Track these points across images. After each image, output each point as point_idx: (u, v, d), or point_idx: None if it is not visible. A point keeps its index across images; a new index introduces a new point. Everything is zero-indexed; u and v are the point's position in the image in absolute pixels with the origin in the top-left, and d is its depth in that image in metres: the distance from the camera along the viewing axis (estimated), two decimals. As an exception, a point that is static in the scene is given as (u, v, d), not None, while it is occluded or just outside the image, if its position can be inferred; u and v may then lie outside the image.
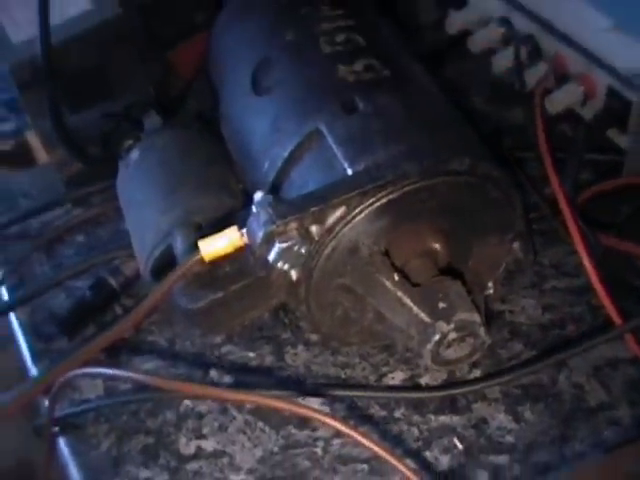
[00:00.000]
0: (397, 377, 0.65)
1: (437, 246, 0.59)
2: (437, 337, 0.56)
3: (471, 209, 0.59)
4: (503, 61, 0.77)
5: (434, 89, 0.65)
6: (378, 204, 0.56)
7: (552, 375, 0.65)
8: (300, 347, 0.68)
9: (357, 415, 0.63)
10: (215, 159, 0.67)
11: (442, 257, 0.59)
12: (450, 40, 0.83)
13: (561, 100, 0.73)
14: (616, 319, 0.62)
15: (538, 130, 0.71)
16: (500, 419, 0.63)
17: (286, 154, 0.60)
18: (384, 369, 0.66)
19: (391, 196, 0.56)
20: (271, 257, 0.54)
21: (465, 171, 0.57)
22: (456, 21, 0.82)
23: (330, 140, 0.58)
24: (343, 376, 0.65)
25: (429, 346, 0.56)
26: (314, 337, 0.67)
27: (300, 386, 0.63)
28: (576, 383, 0.64)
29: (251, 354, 0.67)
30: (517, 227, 0.62)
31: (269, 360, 0.67)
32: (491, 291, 0.64)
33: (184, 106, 0.81)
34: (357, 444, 0.53)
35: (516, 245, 0.63)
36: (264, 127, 0.63)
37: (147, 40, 0.78)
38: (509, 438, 0.62)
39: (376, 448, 0.51)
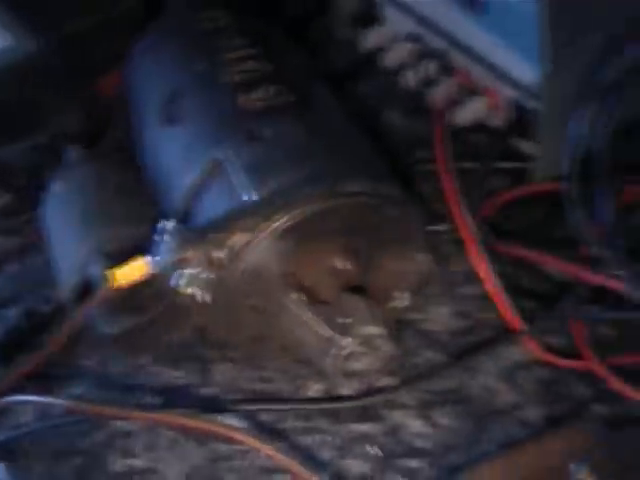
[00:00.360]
0: (315, 388, 0.67)
1: (342, 264, 0.62)
2: (335, 351, 0.59)
3: (372, 227, 0.62)
4: (415, 76, 0.79)
5: (337, 113, 0.68)
6: (281, 228, 0.58)
7: (463, 380, 0.67)
8: (224, 365, 0.70)
9: (277, 427, 0.66)
10: (132, 189, 0.70)
11: (347, 274, 0.62)
12: (364, 57, 0.84)
13: (469, 112, 0.76)
14: (512, 323, 0.67)
15: (437, 144, 0.74)
16: (414, 425, 0.65)
17: (192, 183, 0.62)
18: (302, 382, 0.68)
19: (293, 220, 0.58)
20: (176, 283, 0.57)
21: (364, 192, 0.59)
22: (370, 38, 0.84)
23: (233, 168, 0.61)
24: (267, 390, 0.68)
25: (329, 360, 0.59)
26: (238, 354, 0.69)
27: (223, 403, 0.65)
28: (487, 386, 0.67)
29: (177, 373, 0.69)
30: (418, 240, 0.64)
31: (195, 378, 0.69)
32: (406, 302, 0.66)
33: (106, 136, 0.83)
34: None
35: (419, 257, 0.65)
36: (173, 157, 0.66)
37: (70, 72, 0.80)
38: (423, 442, 0.64)
39: (286, 461, 0.56)
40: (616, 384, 0.63)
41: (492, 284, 0.68)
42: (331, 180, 0.60)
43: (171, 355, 0.71)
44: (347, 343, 0.59)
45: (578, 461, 0.54)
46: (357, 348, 0.59)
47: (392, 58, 0.83)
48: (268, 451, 0.58)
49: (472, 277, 0.72)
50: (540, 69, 0.69)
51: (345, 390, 0.66)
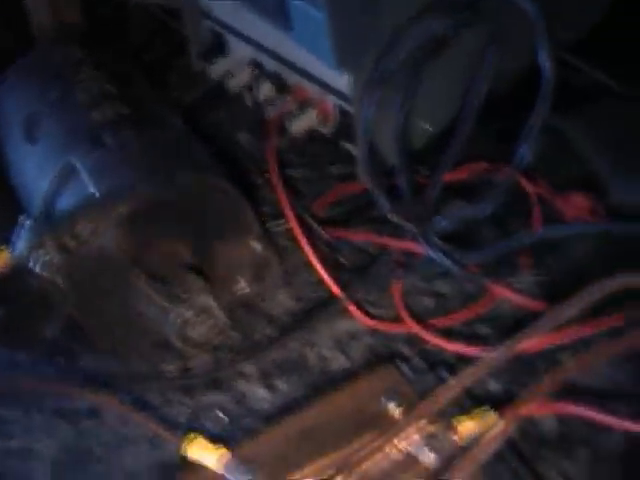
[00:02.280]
0: (172, 368, 0.75)
1: (181, 248, 0.71)
2: (178, 321, 0.68)
3: (205, 215, 0.71)
4: (254, 97, 0.89)
5: (175, 129, 0.79)
6: (120, 216, 0.67)
7: (301, 351, 0.76)
8: (92, 355, 0.77)
9: (139, 401, 0.74)
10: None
11: (185, 257, 0.71)
12: (215, 85, 0.94)
13: (302, 123, 0.86)
14: (335, 290, 0.76)
15: (269, 156, 0.86)
16: (258, 392, 0.73)
17: (49, 187, 0.72)
18: (160, 362, 0.76)
19: (131, 209, 0.67)
20: (34, 268, 0.65)
21: (191, 184, 0.69)
22: (218, 67, 0.94)
23: (82, 172, 0.70)
24: (129, 372, 0.75)
25: (169, 328, 0.68)
26: (103, 344, 0.76)
27: (93, 381, 0.74)
28: (322, 355, 0.75)
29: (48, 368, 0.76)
30: (253, 229, 0.73)
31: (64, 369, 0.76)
32: (245, 289, 0.76)
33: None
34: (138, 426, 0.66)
35: (256, 246, 0.74)
36: (34, 168, 0.76)
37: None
38: (265, 406, 0.72)
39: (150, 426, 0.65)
40: (432, 339, 0.73)
41: (316, 262, 0.78)
42: (163, 175, 0.69)
43: (45, 348, 0.76)
44: (183, 312, 0.67)
45: (388, 396, 0.61)
46: (193, 317, 0.68)
47: (235, 83, 0.92)
48: (136, 419, 0.67)
49: (307, 266, 0.81)
50: (344, 74, 0.76)
51: (198, 366, 0.75)
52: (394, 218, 0.70)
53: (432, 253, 0.68)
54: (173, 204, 0.68)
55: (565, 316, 0.61)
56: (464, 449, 0.58)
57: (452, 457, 0.57)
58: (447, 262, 0.67)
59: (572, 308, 0.58)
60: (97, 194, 0.68)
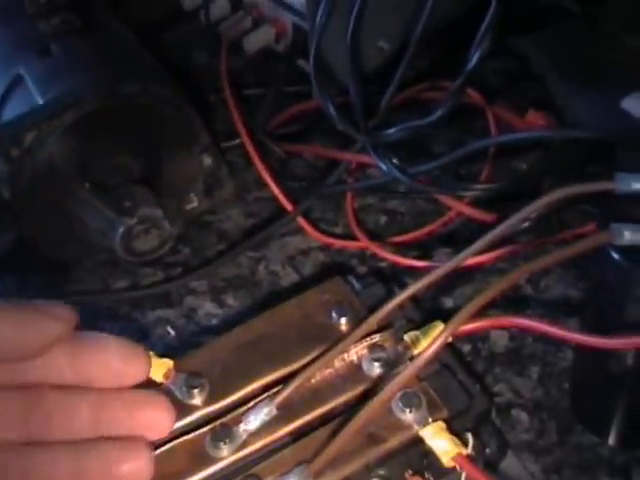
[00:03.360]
0: (121, 284, 0.74)
1: (129, 161, 0.69)
2: (122, 230, 0.66)
3: (152, 126, 0.70)
4: (209, 14, 0.87)
5: (125, 36, 0.76)
6: (65, 125, 0.66)
7: (252, 267, 0.75)
8: (40, 272, 0.76)
9: (90, 316, 0.72)
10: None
11: (134, 169, 0.70)
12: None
13: (257, 40, 0.84)
14: (287, 206, 0.75)
15: (222, 74, 0.85)
16: (207, 307, 0.73)
17: (-3, 98, 0.70)
18: (110, 279, 0.75)
19: (75, 117, 0.66)
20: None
21: (137, 92, 0.67)
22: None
23: (28, 80, 0.69)
24: (78, 289, 0.75)
25: (117, 239, 0.66)
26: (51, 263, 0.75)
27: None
28: (272, 271, 0.75)
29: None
30: (202, 142, 0.72)
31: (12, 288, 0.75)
32: (195, 204, 0.74)
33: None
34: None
35: (206, 158, 0.73)
36: None
37: None
38: (214, 321, 0.72)
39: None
40: (385, 255, 0.73)
41: (269, 178, 0.78)
42: (109, 83, 0.67)
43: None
44: (128, 221, 0.66)
45: (338, 310, 0.61)
46: (138, 226, 0.66)
47: (190, 1, 0.91)
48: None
49: (260, 182, 0.80)
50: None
51: (147, 280, 0.74)
52: (343, 128, 0.68)
53: (381, 164, 0.66)
54: (120, 114, 0.67)
55: (515, 228, 0.59)
56: (412, 361, 0.57)
57: (398, 369, 0.56)
58: (396, 173, 0.65)
59: (522, 220, 0.57)
60: (41, 102, 0.65)
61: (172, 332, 0.70)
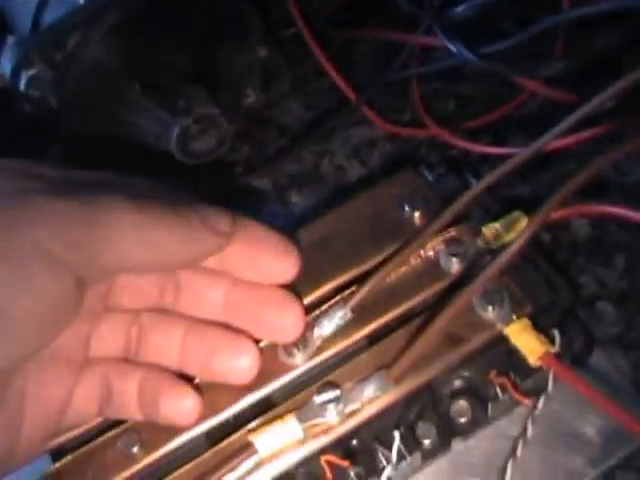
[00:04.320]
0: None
1: (180, 58, 0.65)
2: (177, 131, 0.63)
3: (202, 18, 0.65)
4: None
5: None
6: (109, 23, 0.62)
7: (316, 161, 0.72)
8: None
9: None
10: None
11: (186, 66, 0.65)
12: None
13: None
14: (350, 95, 0.72)
15: None
16: (272, 208, 0.70)
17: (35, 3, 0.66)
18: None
19: (120, 14, 0.61)
20: (22, 87, 0.60)
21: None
22: None
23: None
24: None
25: (173, 141, 0.63)
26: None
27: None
28: (338, 165, 0.71)
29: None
30: (256, 32, 0.67)
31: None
32: (252, 98, 0.70)
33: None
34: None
35: (261, 50, 0.68)
36: None
37: None
38: (280, 221, 0.69)
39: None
40: (457, 142, 0.68)
41: (329, 66, 0.74)
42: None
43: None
44: (183, 121, 0.62)
45: (410, 202, 0.57)
46: (193, 126, 0.63)
47: None
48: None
49: (320, 72, 0.76)
50: None
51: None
52: (407, 8, 0.65)
53: (449, 44, 0.62)
54: (167, 7, 0.62)
55: (597, 109, 0.55)
56: (492, 255, 0.53)
57: (478, 264, 0.52)
58: (466, 53, 0.61)
59: (605, 101, 0.52)
60: (82, 1, 0.61)
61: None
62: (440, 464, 0.55)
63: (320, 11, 0.77)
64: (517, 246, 0.50)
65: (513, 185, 0.65)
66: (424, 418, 0.54)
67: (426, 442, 0.53)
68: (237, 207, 0.64)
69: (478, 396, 0.54)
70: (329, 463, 0.51)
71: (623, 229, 0.64)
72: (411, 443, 0.53)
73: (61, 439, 0.52)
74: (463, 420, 0.54)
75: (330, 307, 0.54)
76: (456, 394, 0.55)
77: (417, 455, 0.52)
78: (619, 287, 0.62)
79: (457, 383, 0.55)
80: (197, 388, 0.51)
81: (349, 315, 0.54)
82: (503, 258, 0.50)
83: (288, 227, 0.62)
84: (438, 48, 0.68)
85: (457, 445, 0.55)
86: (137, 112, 0.64)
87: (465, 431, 0.55)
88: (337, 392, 0.50)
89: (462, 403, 0.55)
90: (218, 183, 0.71)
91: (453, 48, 0.65)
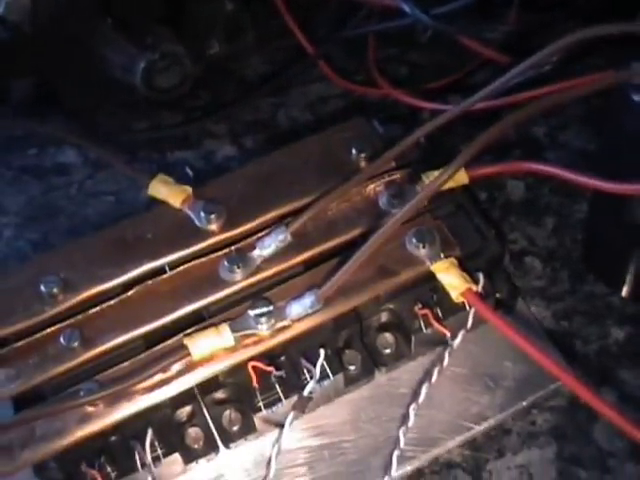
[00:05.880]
0: (140, 125, 0.76)
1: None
2: (143, 64, 0.66)
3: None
4: None
5: None
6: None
7: (272, 112, 0.75)
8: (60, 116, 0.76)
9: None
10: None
11: (156, 8, 0.69)
12: None
13: None
14: (308, 47, 0.74)
15: None
16: (226, 149, 0.73)
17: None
18: (129, 119, 0.76)
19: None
20: (0, 11, 0.63)
21: None
22: None
23: None
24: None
25: (139, 74, 0.67)
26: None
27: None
28: (292, 116, 0.75)
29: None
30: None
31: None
32: (216, 49, 0.74)
33: None
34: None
35: (228, 3, 0.73)
36: None
37: None
38: (233, 163, 0.72)
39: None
40: (407, 99, 0.72)
41: (293, 25, 0.77)
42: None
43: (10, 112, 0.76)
44: (150, 56, 0.66)
45: (357, 146, 0.61)
46: (159, 61, 0.66)
47: None
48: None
49: (284, 32, 0.78)
50: None
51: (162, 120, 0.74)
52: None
53: (404, 5, 0.66)
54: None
55: (533, 71, 0.59)
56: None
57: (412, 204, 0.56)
58: (419, 14, 0.65)
59: (540, 62, 0.56)
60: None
61: (190, 173, 0.69)
62: (362, 392, 0.59)
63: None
64: (437, 183, 0.55)
65: (453, 142, 0.68)
66: (351, 347, 0.57)
67: (351, 368, 0.56)
68: (193, 148, 0.68)
69: (404, 330, 0.57)
70: (255, 369, 0.54)
71: (555, 193, 0.67)
72: (337, 367, 0.55)
73: (8, 330, 0.54)
74: (388, 351, 0.57)
75: (272, 230, 0.57)
76: (383, 327, 0.58)
77: (340, 377, 0.56)
78: (547, 245, 0.66)
79: (384, 316, 0.58)
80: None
81: (289, 239, 0.57)
82: (424, 193, 0.54)
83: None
84: (394, 9, 0.71)
85: (381, 377, 0.59)
86: (107, 45, 0.67)
87: (389, 362, 0.58)
88: (270, 307, 0.53)
89: (387, 335, 0.58)
90: (177, 124, 0.74)
91: (407, 9, 0.68)
